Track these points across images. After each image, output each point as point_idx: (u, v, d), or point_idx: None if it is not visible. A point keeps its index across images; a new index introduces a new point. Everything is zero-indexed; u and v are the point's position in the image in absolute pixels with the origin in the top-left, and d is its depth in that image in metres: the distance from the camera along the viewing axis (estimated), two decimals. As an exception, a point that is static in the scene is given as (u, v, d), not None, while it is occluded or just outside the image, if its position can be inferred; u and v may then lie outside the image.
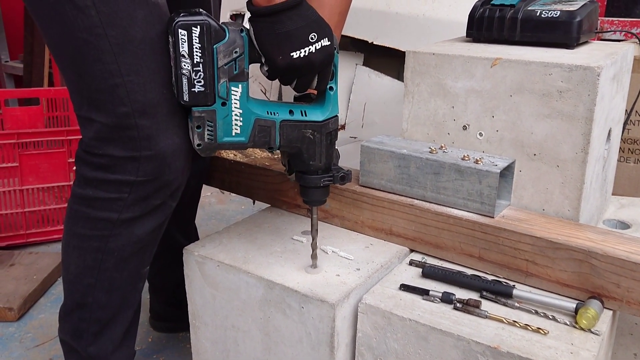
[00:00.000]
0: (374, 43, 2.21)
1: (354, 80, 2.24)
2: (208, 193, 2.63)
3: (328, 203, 1.21)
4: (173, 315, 1.50)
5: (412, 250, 1.13)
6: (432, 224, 1.07)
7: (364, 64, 2.29)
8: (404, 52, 1.19)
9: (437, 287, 1.00)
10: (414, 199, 1.11)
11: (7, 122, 2.06)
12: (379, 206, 1.14)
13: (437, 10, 2.10)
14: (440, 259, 1.09)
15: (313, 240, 1.02)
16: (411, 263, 1.07)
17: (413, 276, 1.04)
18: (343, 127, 2.28)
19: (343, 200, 1.19)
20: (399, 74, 2.27)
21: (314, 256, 1.03)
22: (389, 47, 2.20)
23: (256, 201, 1.41)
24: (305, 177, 0.98)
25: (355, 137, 2.22)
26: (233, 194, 2.80)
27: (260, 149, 1.38)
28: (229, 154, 1.41)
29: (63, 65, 0.87)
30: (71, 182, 2.04)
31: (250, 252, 1.11)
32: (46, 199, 2.07)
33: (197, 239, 1.51)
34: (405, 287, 0.99)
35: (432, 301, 0.95)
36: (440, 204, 1.08)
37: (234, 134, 0.91)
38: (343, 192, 1.18)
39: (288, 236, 1.18)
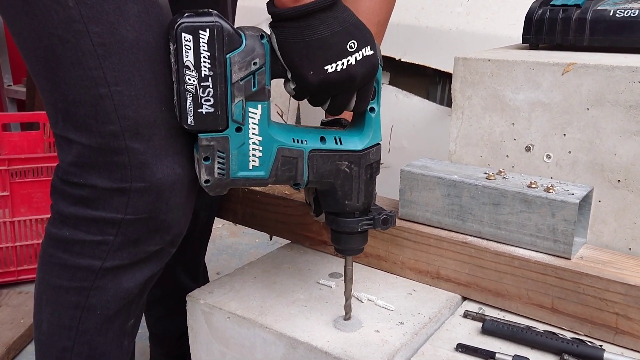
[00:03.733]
0: (402, 60, 2.05)
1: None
2: (219, 225, 2.46)
3: (361, 239, 1.03)
4: (176, 368, 1.32)
5: (464, 298, 0.94)
6: (490, 267, 0.89)
7: (390, 84, 2.13)
8: (434, 70, 1.03)
9: (502, 348, 0.81)
10: (468, 235, 0.93)
11: (4, 148, 1.93)
12: (424, 244, 0.95)
13: (473, 23, 1.94)
14: (502, 310, 0.90)
15: (347, 290, 0.84)
16: (466, 315, 0.89)
17: (470, 332, 0.85)
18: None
19: (379, 236, 1.01)
20: (428, 94, 2.10)
21: (347, 310, 0.85)
22: (418, 65, 2.04)
23: (274, 236, 1.23)
24: (339, 221, 0.81)
25: (381, 164, 2.04)
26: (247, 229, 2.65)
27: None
28: (243, 182, 1.24)
29: (34, 70, 0.71)
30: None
31: (268, 300, 0.93)
32: (40, 232, 1.90)
33: (207, 281, 1.34)
34: (463, 348, 0.80)
35: (500, 367, 0.76)
36: (500, 242, 0.90)
37: (251, 167, 0.74)
38: (379, 226, 1.00)
39: (313, 280, 1.00)
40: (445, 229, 0.95)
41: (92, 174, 0.71)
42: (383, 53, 2.14)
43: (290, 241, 1.16)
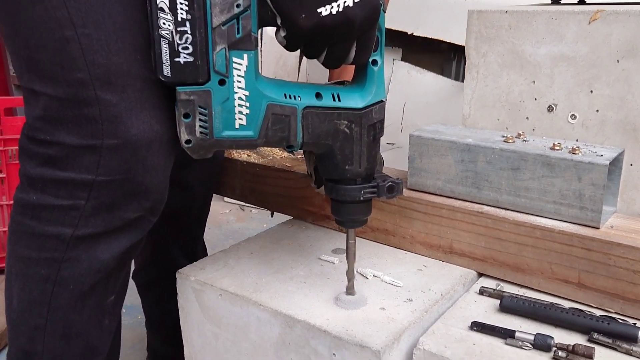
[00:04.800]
0: (414, 34, 1.97)
1: (391, 78, 2.00)
2: (227, 210, 2.39)
3: (366, 212, 0.96)
4: (175, 356, 1.24)
5: (480, 274, 0.86)
6: (509, 238, 0.81)
7: (402, 60, 2.05)
8: (449, 45, 0.95)
9: (523, 326, 0.73)
10: (484, 204, 0.85)
11: (7, 132, 1.87)
12: (435, 215, 0.87)
13: (489, -7, 1.85)
14: (522, 286, 0.82)
15: (349, 268, 0.76)
16: (482, 292, 0.80)
17: (487, 310, 0.77)
18: (379, 131, 2.03)
19: (386, 208, 0.93)
20: (443, 70, 2.01)
21: (349, 288, 0.77)
22: (431, 39, 1.95)
23: (275, 213, 1.16)
24: (338, 189, 0.73)
25: (393, 144, 1.96)
26: (255, 210, 2.57)
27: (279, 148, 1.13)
28: (241, 154, 1.16)
29: None
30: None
31: (264, 276, 0.85)
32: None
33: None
34: (479, 326, 0.72)
35: (521, 347, 0.68)
36: (520, 211, 0.82)
37: (237, 125, 0.66)
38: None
39: (314, 256, 0.92)
40: (459, 199, 0.87)
41: (60, 129, 0.64)
42: (393, 27, 2.05)
43: (292, 217, 1.09)
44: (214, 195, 1.19)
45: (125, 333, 1.50)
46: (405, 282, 0.83)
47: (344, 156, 0.71)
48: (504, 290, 0.81)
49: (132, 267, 1.11)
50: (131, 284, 1.24)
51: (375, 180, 0.74)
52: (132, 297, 1.23)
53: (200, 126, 0.65)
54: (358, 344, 0.69)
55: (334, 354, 0.71)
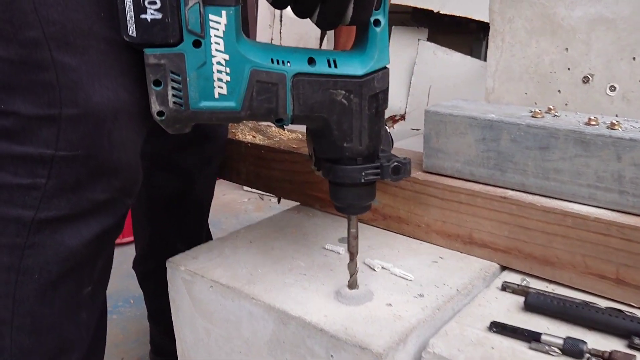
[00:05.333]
0: (440, 13, 1.86)
1: (416, 60, 1.89)
2: (245, 199, 2.33)
3: (376, 199, 0.87)
4: (176, 350, 1.18)
5: (503, 267, 0.77)
6: (537, 227, 0.71)
7: (428, 40, 1.94)
8: (478, 24, 0.85)
9: (551, 328, 0.63)
10: (508, 188, 0.75)
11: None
12: (454, 201, 0.78)
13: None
14: (550, 282, 0.72)
15: (351, 259, 0.68)
16: (505, 287, 0.71)
17: (509, 308, 0.68)
18: (403, 117, 1.93)
19: (399, 193, 0.84)
20: (472, 51, 1.90)
21: (352, 280, 0.69)
22: (459, 18, 1.84)
23: (283, 199, 1.08)
24: (336, 170, 0.65)
25: (418, 129, 1.86)
26: (275, 199, 2.50)
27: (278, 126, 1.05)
28: (246, 135, 1.08)
29: None
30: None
31: (261, 267, 0.77)
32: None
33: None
34: (499, 327, 0.62)
35: (547, 352, 0.59)
36: (550, 196, 0.72)
37: (217, 95, 0.58)
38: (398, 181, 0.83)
39: (319, 245, 0.84)
40: (480, 182, 0.78)
41: (15, 97, 0.57)
42: (418, 5, 1.95)
43: (298, 203, 1.01)
44: (233, 183, 1.11)
45: (130, 325, 1.46)
46: (417, 276, 0.74)
47: (342, 132, 0.62)
48: (530, 286, 0.71)
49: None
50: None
51: (378, 160, 0.65)
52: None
53: (173, 95, 0.57)
54: (358, 345, 0.60)
55: (331, 355, 0.63)
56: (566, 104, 0.78)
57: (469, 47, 1.93)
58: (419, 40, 1.89)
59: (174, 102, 0.57)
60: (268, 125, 1.20)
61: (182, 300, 0.80)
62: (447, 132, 0.79)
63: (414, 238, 0.84)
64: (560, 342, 0.59)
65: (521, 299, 0.68)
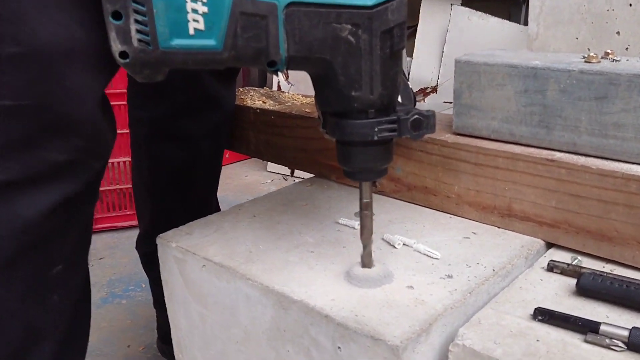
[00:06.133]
0: (476, -26, 1.71)
1: (448, 27, 1.75)
2: (268, 180, 2.23)
3: (398, 166, 0.76)
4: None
5: (550, 244, 0.65)
6: (591, 194, 0.59)
7: (462, 4, 1.80)
8: None
9: (611, 317, 0.51)
10: (555, 150, 0.63)
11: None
12: (490, 166, 0.66)
13: None
14: (608, 261, 0.60)
15: (364, 233, 0.57)
16: (552, 267, 0.59)
17: (558, 292, 0.56)
18: (435, 89, 1.80)
19: (425, 159, 0.72)
20: (510, 15, 1.75)
21: (366, 256, 0.58)
22: (496, -20, 1.70)
23: (296, 172, 0.97)
24: (343, 126, 0.53)
25: (450, 102, 1.72)
26: (300, 180, 2.40)
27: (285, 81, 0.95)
28: (255, 101, 0.98)
29: None
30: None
31: (263, 243, 0.67)
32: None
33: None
34: (545, 315, 0.51)
35: (608, 346, 0.47)
36: (608, 157, 0.60)
37: (192, 31, 0.47)
38: (424, 145, 0.72)
39: (331, 219, 0.73)
40: (521, 144, 0.66)
41: None
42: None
43: (313, 175, 0.90)
44: (255, 164, 1.01)
45: (140, 311, 1.38)
46: (445, 254, 0.63)
47: (349, 77, 0.51)
48: (583, 265, 0.59)
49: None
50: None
51: (395, 114, 0.54)
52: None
53: (137, 31, 0.46)
54: (369, 335, 0.50)
55: (338, 347, 0.52)
56: (627, 48, 0.65)
57: (506, 11, 1.78)
58: (451, 4, 1.75)
59: (139, 40, 0.46)
60: (281, 91, 1.09)
61: (175, 282, 0.71)
62: (482, 84, 0.67)
63: (443, 211, 0.73)
64: (625, 333, 0.47)
65: (572, 282, 0.57)
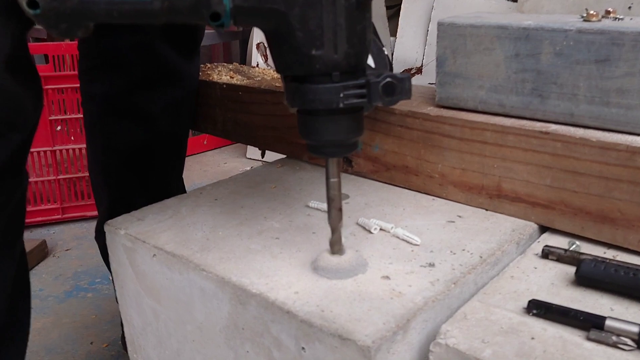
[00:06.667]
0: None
1: (433, 4, 1.68)
2: (248, 167, 2.15)
3: (376, 144, 0.69)
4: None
5: (543, 228, 0.58)
6: (591, 171, 0.52)
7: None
8: None
9: (616, 310, 0.45)
10: (551, 122, 0.56)
11: None
12: (477, 141, 0.59)
13: None
14: (611, 246, 0.54)
15: (331, 216, 0.50)
16: (547, 254, 0.53)
17: (555, 282, 0.49)
18: (419, 70, 1.73)
19: (405, 135, 0.65)
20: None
21: (335, 243, 0.51)
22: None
23: (268, 153, 0.90)
24: (304, 91, 0.46)
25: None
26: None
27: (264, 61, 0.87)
28: (222, 76, 0.90)
29: None
30: (55, 147, 1.63)
31: (223, 229, 0.60)
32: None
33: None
34: (541, 308, 0.44)
35: (615, 344, 0.40)
36: (610, 129, 0.53)
37: None
38: (404, 119, 0.65)
39: (302, 202, 0.66)
40: (512, 115, 0.59)
41: None
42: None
43: (285, 155, 0.83)
44: (235, 150, 0.93)
45: (106, 305, 1.30)
46: (426, 239, 0.56)
47: (308, 32, 0.44)
48: (582, 251, 0.52)
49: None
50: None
51: (364, 77, 0.46)
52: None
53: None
54: (337, 334, 0.42)
55: (302, 347, 0.45)
56: (630, 7, 0.58)
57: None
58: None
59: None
60: (252, 66, 1.01)
61: (125, 273, 0.63)
62: (468, 49, 0.60)
63: (425, 193, 0.66)
64: (635, 329, 0.40)
65: (571, 270, 0.50)
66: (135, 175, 0.87)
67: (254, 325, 0.49)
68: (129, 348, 0.69)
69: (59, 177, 1.65)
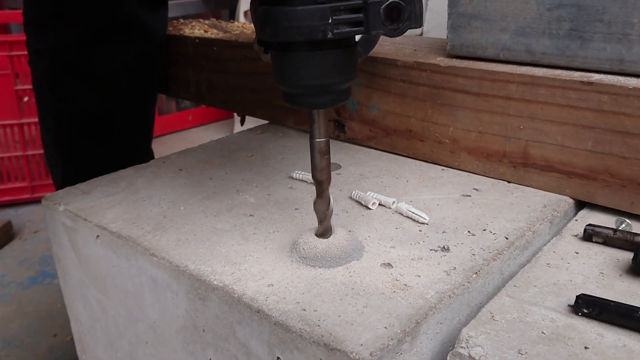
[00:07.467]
0: None
1: (435, -33, 1.56)
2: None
3: (373, 103, 0.57)
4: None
5: (582, 203, 0.47)
6: (647, 132, 0.41)
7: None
8: None
9: (691, 308, 0.34)
10: (593, 71, 0.45)
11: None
12: (497, 96, 0.48)
13: None
14: (667, 226, 0.43)
15: (319, 193, 0.38)
16: (591, 235, 0.42)
17: (604, 271, 0.39)
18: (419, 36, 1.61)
19: (408, 91, 0.54)
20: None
21: (323, 224, 0.39)
22: None
23: (248, 119, 0.79)
24: (277, 15, 0.34)
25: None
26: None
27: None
28: (194, 29, 0.79)
29: None
30: (23, 120, 1.51)
31: (184, 204, 0.49)
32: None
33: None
34: (593, 306, 0.33)
35: (702, 360, 0.30)
36: (672, 76, 0.42)
37: None
38: (408, 72, 0.53)
39: (283, 173, 0.55)
40: (543, 64, 0.48)
41: None
42: None
43: (267, 122, 0.72)
44: (222, 124, 0.82)
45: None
46: (436, 217, 0.45)
47: None
48: (636, 231, 0.42)
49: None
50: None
51: None
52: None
53: None
54: (322, 342, 0.32)
55: (277, 358, 0.34)
56: None
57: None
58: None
59: None
60: (230, 21, 0.90)
61: (67, 258, 0.52)
62: (489, -18, 0.49)
63: (433, 162, 0.55)
64: None
65: (622, 255, 0.39)
66: (92, 144, 0.76)
67: (217, 327, 0.38)
68: (77, 347, 0.58)
69: (27, 153, 1.53)
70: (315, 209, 0.39)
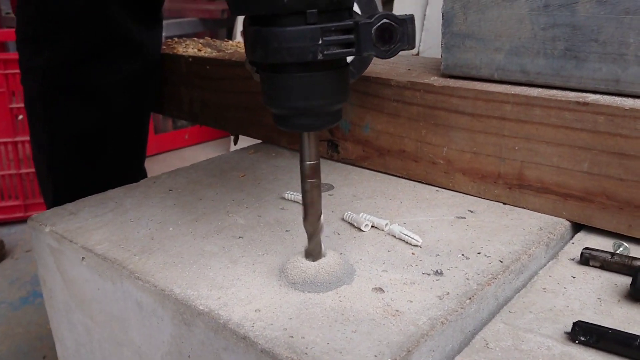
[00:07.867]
0: None
1: (432, -14, 1.57)
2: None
3: (366, 123, 0.57)
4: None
5: (578, 226, 0.46)
6: (644, 153, 0.41)
7: (447, -38, 1.61)
8: None
9: (692, 336, 0.33)
10: (589, 91, 0.45)
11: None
12: (492, 117, 0.48)
13: None
14: (666, 250, 0.42)
15: (307, 214, 0.38)
16: (588, 259, 0.41)
17: (601, 295, 0.38)
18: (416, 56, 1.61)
19: (402, 111, 0.54)
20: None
21: (312, 244, 0.38)
22: None
23: (242, 138, 0.78)
24: (268, 36, 0.34)
25: (434, 73, 1.53)
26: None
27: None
28: (188, 47, 0.78)
29: None
30: (17, 138, 1.50)
31: (173, 226, 0.48)
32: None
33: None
34: (591, 334, 0.32)
35: None
36: (668, 97, 0.42)
37: None
38: (402, 92, 0.53)
39: (275, 194, 0.54)
40: (538, 84, 0.47)
41: None
42: None
43: (260, 141, 0.71)
44: (218, 144, 0.81)
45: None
46: (430, 239, 0.44)
47: None
48: (633, 255, 0.41)
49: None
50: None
51: (351, 18, 0.34)
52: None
53: None
54: (309, 372, 0.31)
55: (264, 387, 0.33)
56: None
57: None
58: (435, -39, 1.56)
59: None
60: (225, 40, 0.89)
61: (53, 280, 0.51)
62: (482, 1, 0.48)
63: (427, 183, 0.54)
64: None
65: (621, 280, 0.39)
66: (85, 163, 0.75)
67: (202, 354, 0.37)
68: (63, 373, 0.57)
69: (20, 171, 1.52)
70: (305, 226, 0.38)
